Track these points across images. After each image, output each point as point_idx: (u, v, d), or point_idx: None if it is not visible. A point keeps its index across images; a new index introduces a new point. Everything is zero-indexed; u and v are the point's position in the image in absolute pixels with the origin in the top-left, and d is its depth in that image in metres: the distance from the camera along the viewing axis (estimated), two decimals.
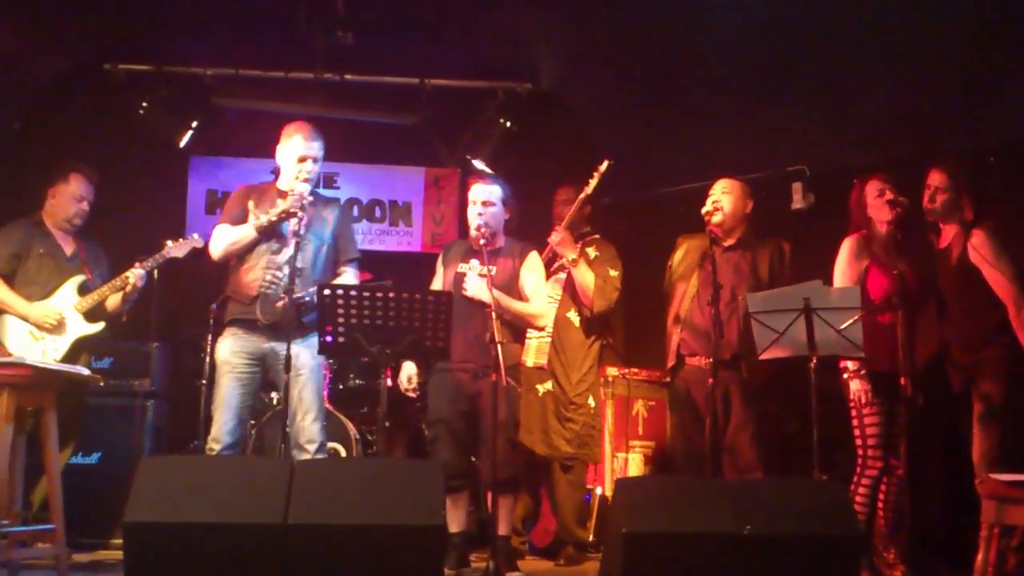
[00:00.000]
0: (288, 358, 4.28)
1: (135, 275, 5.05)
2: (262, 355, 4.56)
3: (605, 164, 5.35)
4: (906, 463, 4.36)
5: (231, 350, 4.55)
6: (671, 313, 4.94)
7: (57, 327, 5.00)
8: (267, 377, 4.69)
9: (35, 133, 6.68)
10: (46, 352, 4.95)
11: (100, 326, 5.11)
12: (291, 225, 4.53)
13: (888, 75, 5.64)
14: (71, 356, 5.02)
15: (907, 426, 4.37)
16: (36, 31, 6.00)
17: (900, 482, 4.51)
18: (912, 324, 4.49)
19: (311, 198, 4.60)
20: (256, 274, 4.56)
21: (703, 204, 4.86)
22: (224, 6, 6.23)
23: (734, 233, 4.89)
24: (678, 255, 5.01)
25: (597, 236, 5.60)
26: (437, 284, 4.91)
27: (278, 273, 4.54)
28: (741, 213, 4.90)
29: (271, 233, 4.57)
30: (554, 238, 5.25)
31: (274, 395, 5.73)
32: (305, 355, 4.52)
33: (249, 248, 4.60)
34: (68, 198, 5.19)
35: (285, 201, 4.51)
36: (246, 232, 4.57)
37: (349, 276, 4.76)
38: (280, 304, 4.44)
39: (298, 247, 4.45)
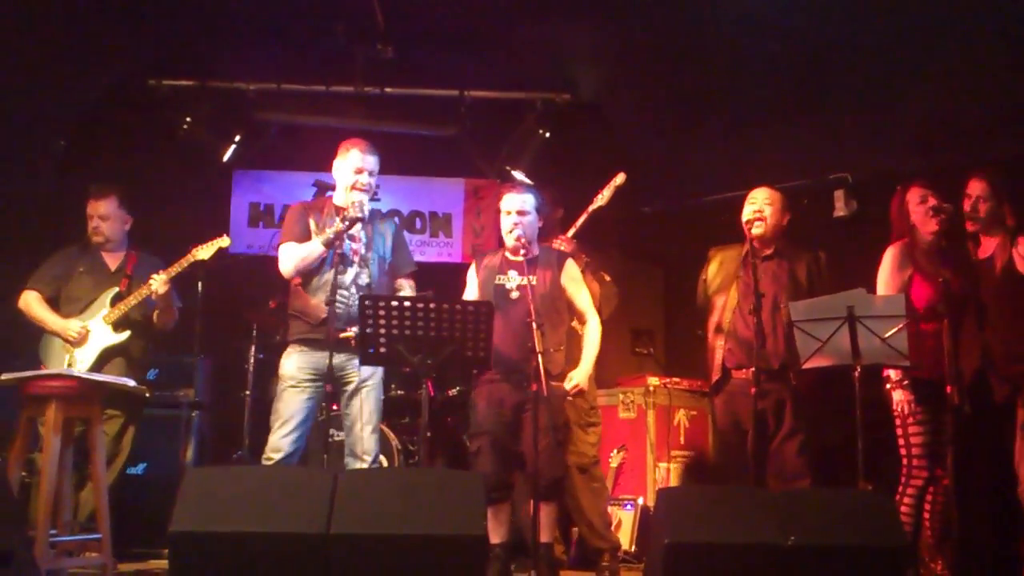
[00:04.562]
0: (330, 368, 4.33)
1: (156, 281, 5.10)
2: (327, 370, 4.58)
3: (622, 177, 5.34)
4: (952, 473, 4.30)
5: (297, 366, 4.61)
6: (710, 327, 4.90)
7: (80, 339, 5.12)
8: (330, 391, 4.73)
9: (79, 149, 6.78)
10: (73, 363, 5.06)
11: (126, 335, 5.19)
12: (353, 245, 4.64)
13: (931, 81, 5.58)
14: (98, 365, 5.10)
15: (953, 435, 4.30)
16: (80, 48, 6.09)
17: (946, 492, 4.44)
18: (957, 332, 4.43)
19: (369, 205, 4.68)
20: (321, 296, 4.59)
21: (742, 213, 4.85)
22: (266, 22, 6.29)
23: (772, 243, 4.85)
24: (712, 268, 4.97)
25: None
26: (469, 296, 4.88)
27: (345, 293, 4.59)
28: (780, 224, 4.87)
29: (336, 247, 4.60)
30: (564, 248, 5.20)
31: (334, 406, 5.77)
32: (368, 369, 4.60)
33: (317, 264, 4.65)
34: (87, 220, 5.36)
35: (347, 211, 4.58)
36: (314, 247, 4.64)
37: (407, 289, 4.85)
38: (345, 333, 4.52)
39: (363, 265, 4.58)
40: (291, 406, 4.56)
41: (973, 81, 5.47)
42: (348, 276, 4.64)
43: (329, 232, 4.59)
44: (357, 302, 4.50)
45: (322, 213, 4.77)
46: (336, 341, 4.45)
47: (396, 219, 7.30)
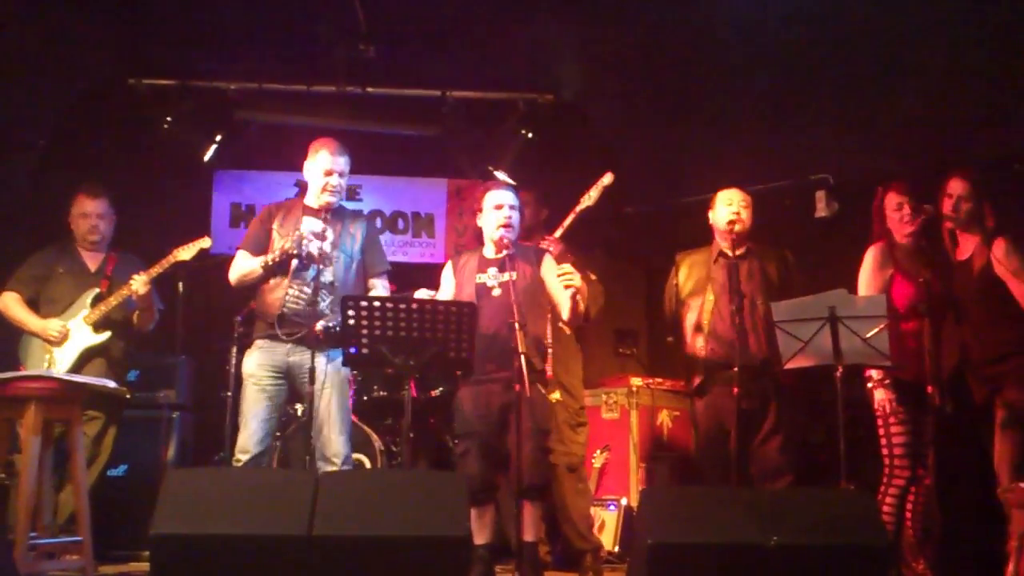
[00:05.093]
0: (312, 370, 4.31)
1: (137, 282, 5.08)
2: (287, 368, 4.60)
3: (609, 178, 5.31)
4: (934, 472, 4.32)
5: (257, 363, 4.61)
6: (688, 327, 4.89)
7: (60, 339, 5.09)
8: (292, 389, 4.71)
9: (60, 149, 6.74)
10: (52, 363, 5.03)
11: (106, 335, 5.16)
12: (319, 244, 4.58)
13: (912, 82, 5.62)
14: (78, 366, 5.07)
15: (935, 435, 4.33)
16: (59, 47, 6.06)
17: (928, 492, 4.47)
18: (938, 333, 4.46)
19: (310, 239, 4.60)
20: (278, 294, 4.61)
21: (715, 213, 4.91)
22: (247, 21, 6.27)
23: (744, 243, 4.88)
24: (682, 273, 4.98)
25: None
26: (444, 296, 4.82)
27: (306, 289, 4.58)
28: (752, 226, 4.91)
29: (278, 271, 4.61)
30: (552, 249, 5.14)
31: (299, 407, 5.74)
32: (332, 368, 4.56)
33: (262, 279, 4.66)
34: (78, 218, 5.34)
35: (287, 241, 4.57)
36: (255, 267, 4.66)
37: (379, 289, 4.82)
38: (312, 328, 4.48)
39: (327, 264, 4.53)
40: (254, 405, 4.55)
41: (954, 82, 5.50)
42: (310, 274, 4.61)
43: (267, 258, 4.61)
44: (319, 300, 4.50)
45: (289, 213, 4.75)
46: (298, 339, 4.47)
47: (378, 220, 7.30)
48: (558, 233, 5.34)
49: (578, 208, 5.35)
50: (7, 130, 6.36)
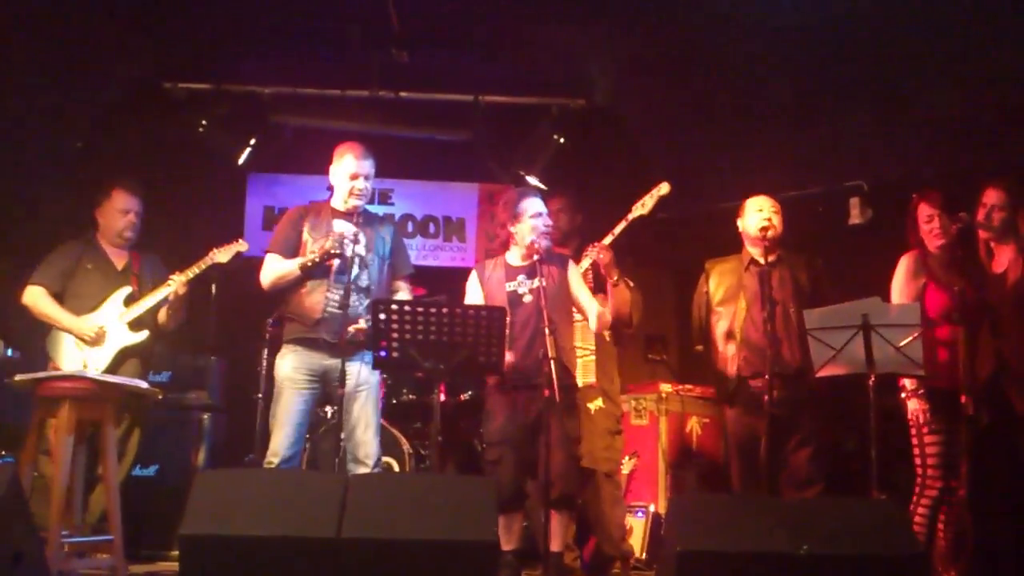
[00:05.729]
0: (343, 372, 4.32)
1: (175, 282, 5.08)
2: (323, 371, 4.62)
3: (666, 187, 5.15)
4: (967, 483, 4.26)
5: (293, 367, 4.61)
6: (719, 334, 4.86)
7: (98, 338, 5.04)
8: (324, 392, 4.73)
9: (96, 151, 6.80)
10: (88, 363, 4.98)
11: (144, 335, 5.13)
12: (355, 248, 4.60)
13: (946, 86, 5.56)
14: (115, 366, 5.05)
15: (969, 446, 4.27)
16: (96, 51, 6.12)
17: (961, 503, 4.41)
18: (973, 341, 4.41)
19: (351, 236, 4.63)
20: (317, 297, 4.62)
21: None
22: (281, 26, 6.31)
23: (775, 250, 4.84)
24: (713, 281, 4.96)
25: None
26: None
27: (343, 293, 4.59)
28: (782, 233, 4.87)
29: (316, 272, 4.62)
30: (602, 256, 5.11)
31: (328, 409, 5.76)
32: (366, 371, 4.59)
33: (299, 281, 4.66)
34: (114, 213, 5.26)
35: (327, 241, 4.58)
36: (291, 269, 4.65)
37: (404, 291, 4.85)
38: (352, 328, 4.48)
39: (363, 267, 4.55)
40: (290, 409, 4.56)
41: (989, 84, 5.44)
42: (349, 276, 4.62)
43: (306, 259, 4.61)
44: (356, 303, 4.51)
45: (319, 216, 4.77)
46: (346, 344, 4.45)
47: (410, 224, 7.33)
48: (608, 240, 5.24)
49: (630, 216, 5.19)
50: (44, 134, 6.43)
